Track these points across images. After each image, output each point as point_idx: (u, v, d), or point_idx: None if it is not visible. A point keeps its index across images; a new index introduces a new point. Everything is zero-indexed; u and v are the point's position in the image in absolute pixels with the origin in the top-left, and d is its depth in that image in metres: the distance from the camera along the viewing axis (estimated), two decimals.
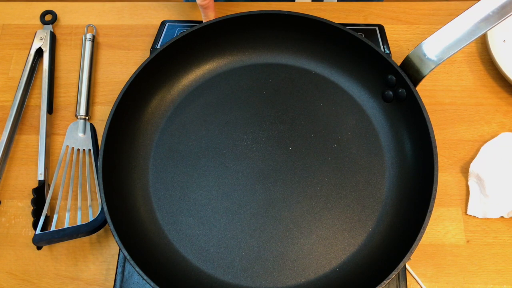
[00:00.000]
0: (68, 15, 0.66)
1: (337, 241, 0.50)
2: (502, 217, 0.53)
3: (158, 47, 0.61)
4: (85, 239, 0.53)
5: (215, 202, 0.52)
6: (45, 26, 0.64)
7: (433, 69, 0.49)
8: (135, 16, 0.66)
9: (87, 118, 0.58)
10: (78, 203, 0.53)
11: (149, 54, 0.62)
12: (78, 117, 0.58)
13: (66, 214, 0.52)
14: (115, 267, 0.51)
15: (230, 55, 0.59)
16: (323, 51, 0.58)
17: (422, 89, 0.51)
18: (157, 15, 0.66)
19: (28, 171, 0.56)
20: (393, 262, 0.44)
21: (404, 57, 0.51)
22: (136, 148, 0.54)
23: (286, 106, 0.57)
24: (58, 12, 0.66)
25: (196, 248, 0.50)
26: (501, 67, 0.58)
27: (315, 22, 0.54)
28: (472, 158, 0.55)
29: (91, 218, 0.51)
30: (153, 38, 0.63)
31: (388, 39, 0.62)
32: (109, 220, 0.45)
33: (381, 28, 0.62)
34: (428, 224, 0.44)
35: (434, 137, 0.48)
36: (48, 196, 0.53)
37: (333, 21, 0.54)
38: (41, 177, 0.54)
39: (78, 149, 0.56)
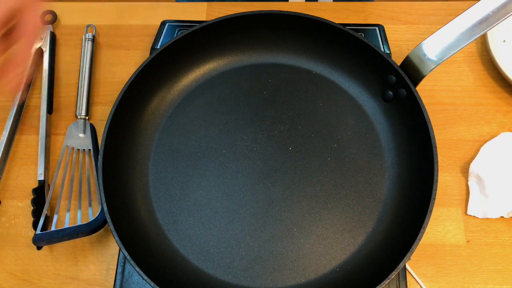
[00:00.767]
0: (68, 15, 0.66)
1: (337, 241, 0.50)
2: (502, 217, 0.53)
3: (158, 47, 0.61)
4: (85, 239, 0.53)
5: (215, 202, 0.52)
6: (45, 26, 0.64)
7: (433, 69, 0.49)
8: (135, 16, 0.66)
9: (87, 118, 0.58)
10: (78, 203, 0.53)
11: (149, 54, 0.62)
12: (78, 117, 0.58)
13: (66, 214, 0.52)
14: (115, 267, 0.51)
15: (230, 55, 0.59)
16: (323, 51, 0.58)
17: (422, 89, 0.51)
18: (157, 15, 0.66)
19: (28, 171, 0.56)
20: (393, 262, 0.44)
21: (404, 57, 0.51)
22: (136, 148, 0.54)
23: (286, 106, 0.57)
24: (58, 12, 0.66)
25: (196, 248, 0.50)
26: (501, 67, 0.58)
27: (315, 22, 0.54)
28: (472, 158, 0.55)
29: (91, 218, 0.51)
30: (153, 38, 0.63)
31: (388, 39, 0.62)
32: (109, 220, 0.45)
33: (381, 28, 0.62)
34: (428, 224, 0.44)
35: (434, 137, 0.48)
36: (48, 196, 0.53)
37: (333, 21, 0.54)
38: (41, 177, 0.54)
39: (78, 149, 0.56)
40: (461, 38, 0.48)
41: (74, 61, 0.63)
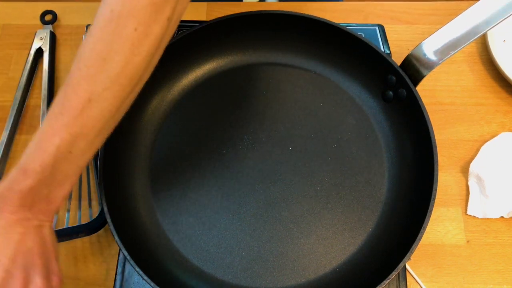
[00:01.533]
0: (68, 15, 0.66)
1: (337, 241, 0.50)
2: (502, 217, 0.53)
3: None
4: (85, 239, 0.53)
5: (215, 202, 0.52)
6: (45, 26, 0.64)
7: (433, 69, 0.49)
8: None
9: None
10: (78, 203, 0.53)
11: None
12: None
13: (66, 214, 0.52)
14: (115, 267, 0.51)
15: (230, 55, 0.59)
16: (323, 51, 0.58)
17: (422, 89, 0.51)
18: None
19: None
20: (393, 262, 0.44)
21: (404, 57, 0.51)
22: (136, 148, 0.54)
23: (286, 106, 0.57)
24: (58, 12, 0.66)
25: (196, 248, 0.50)
26: (501, 67, 0.58)
27: (316, 22, 0.54)
28: (472, 158, 0.55)
29: (91, 218, 0.51)
30: None
31: (388, 39, 0.62)
32: (109, 220, 0.45)
33: (381, 28, 0.62)
34: (428, 224, 0.44)
35: (434, 137, 0.48)
36: None
37: (333, 21, 0.54)
38: None
39: None
40: (461, 38, 0.48)
41: None
